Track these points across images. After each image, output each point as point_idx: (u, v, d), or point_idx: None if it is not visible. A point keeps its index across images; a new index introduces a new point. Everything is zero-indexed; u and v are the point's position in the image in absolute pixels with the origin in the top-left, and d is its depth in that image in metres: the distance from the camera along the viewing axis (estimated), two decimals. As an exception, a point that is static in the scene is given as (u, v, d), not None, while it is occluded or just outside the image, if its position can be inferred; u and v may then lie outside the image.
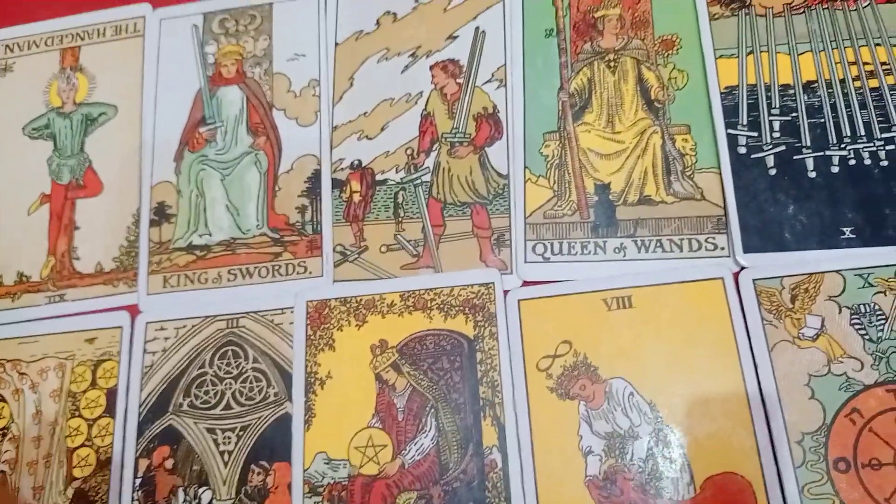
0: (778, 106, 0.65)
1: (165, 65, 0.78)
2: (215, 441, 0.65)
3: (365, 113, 0.73)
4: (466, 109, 0.71)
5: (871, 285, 0.59)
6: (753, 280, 0.61)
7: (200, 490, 0.64)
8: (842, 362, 0.58)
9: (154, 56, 0.79)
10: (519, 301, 0.65)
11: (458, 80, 0.72)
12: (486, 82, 0.72)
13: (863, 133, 0.64)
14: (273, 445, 0.64)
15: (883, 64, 0.65)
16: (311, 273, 0.69)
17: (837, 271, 0.60)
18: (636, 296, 0.63)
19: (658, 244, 0.64)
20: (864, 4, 0.67)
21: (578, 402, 0.61)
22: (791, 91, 0.66)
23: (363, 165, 0.71)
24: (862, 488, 0.55)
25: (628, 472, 0.59)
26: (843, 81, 0.65)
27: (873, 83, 0.65)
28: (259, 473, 0.64)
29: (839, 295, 0.60)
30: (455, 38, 0.73)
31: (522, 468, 0.60)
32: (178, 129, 0.76)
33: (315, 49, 0.76)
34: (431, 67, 0.73)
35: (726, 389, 0.59)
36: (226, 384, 0.67)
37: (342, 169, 0.72)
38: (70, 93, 0.79)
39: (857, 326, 0.59)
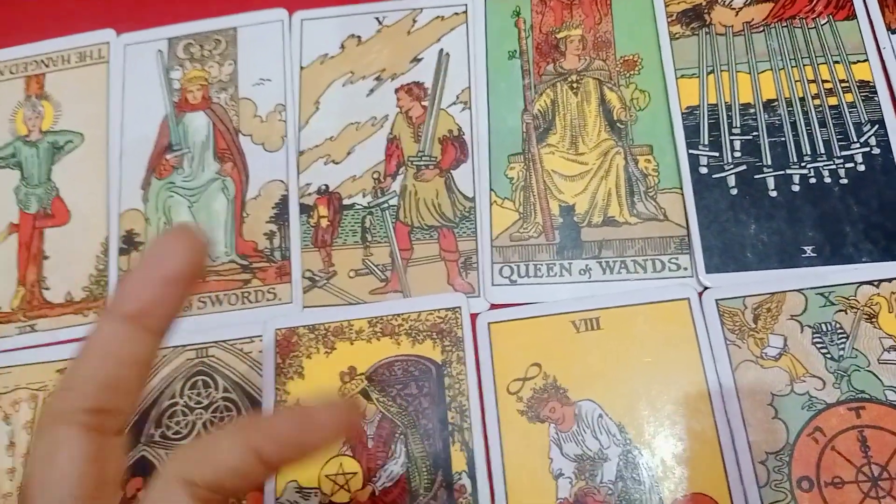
0: (739, 125, 0.66)
1: (131, 91, 0.78)
2: (187, 472, 0.65)
3: (331, 137, 0.73)
4: (432, 132, 0.71)
5: (833, 304, 0.60)
6: (716, 300, 0.62)
7: (173, 521, 0.64)
8: (804, 381, 0.59)
9: (119, 82, 0.78)
10: (489, 324, 0.65)
11: (423, 103, 0.72)
12: (450, 105, 0.72)
13: (823, 151, 0.64)
14: (244, 475, 0.64)
15: (842, 81, 0.66)
16: (280, 299, 0.69)
17: (799, 290, 0.61)
18: (604, 317, 0.63)
19: (622, 265, 0.65)
20: (823, 22, 0.68)
21: (549, 424, 0.61)
22: (752, 110, 0.66)
23: (330, 190, 0.71)
24: (825, 506, 0.56)
25: (598, 494, 0.59)
26: (802, 99, 0.66)
27: (832, 101, 0.66)
28: (231, 504, 0.64)
29: (801, 314, 0.60)
30: (419, 60, 0.74)
31: (494, 492, 0.60)
32: (144, 156, 0.75)
33: (280, 73, 0.75)
34: (396, 90, 0.73)
35: (693, 410, 0.59)
36: (196, 414, 0.67)
37: (309, 194, 0.72)
38: (36, 121, 0.79)
39: (818, 345, 0.59)
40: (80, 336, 0.72)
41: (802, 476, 0.56)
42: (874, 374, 0.58)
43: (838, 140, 0.64)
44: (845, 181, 0.63)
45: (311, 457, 0.37)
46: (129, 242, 0.73)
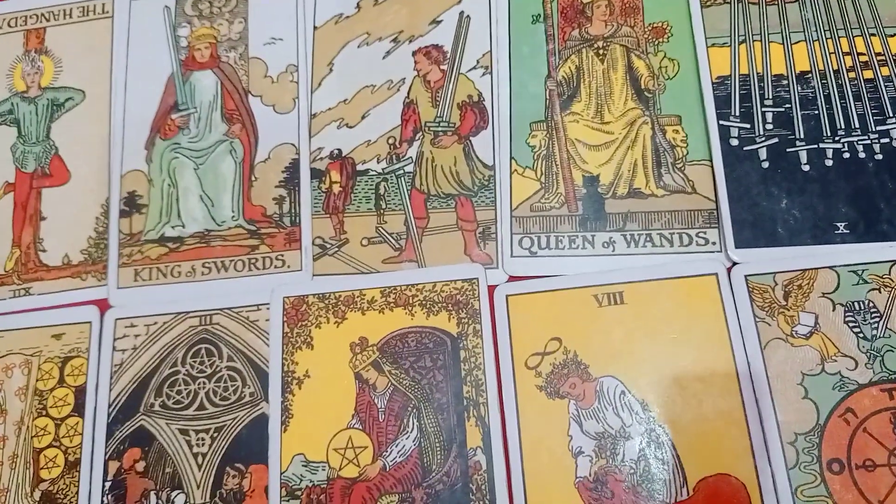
0: (771, 97, 0.64)
1: (136, 48, 0.75)
2: (188, 443, 0.63)
3: (345, 100, 0.70)
4: (451, 97, 0.69)
5: (866, 282, 0.58)
6: (745, 276, 0.60)
7: (174, 493, 0.62)
8: (835, 361, 0.57)
9: (124, 38, 0.75)
10: (507, 296, 0.63)
11: (441, 67, 0.70)
12: (470, 69, 0.69)
13: (857, 125, 0.62)
14: (249, 447, 0.62)
15: (878, 55, 0.64)
16: (289, 267, 0.67)
17: (831, 267, 0.59)
18: (628, 292, 0.61)
19: (648, 238, 0.62)
20: (859, -7, 0.66)
21: (568, 401, 0.59)
22: (784, 81, 0.64)
23: (343, 155, 0.69)
24: (856, 490, 0.54)
25: (619, 474, 0.57)
26: (837, 72, 0.64)
27: (868, 74, 0.64)
28: (234, 476, 0.61)
29: (833, 292, 0.58)
30: (439, 22, 0.71)
31: (510, 469, 0.58)
32: (149, 116, 0.73)
33: (293, 33, 0.73)
34: (414, 53, 0.71)
35: (720, 389, 0.57)
36: (199, 383, 0.64)
37: (321, 158, 0.69)
38: (35, 76, 0.76)
39: (851, 324, 0.57)
40: (77, 301, 0.69)
41: (833, 458, 0.54)
42: (908, 355, 0.56)
43: (874, 114, 0.62)
44: (880, 157, 0.61)
45: None
46: (131, 204, 0.71)
